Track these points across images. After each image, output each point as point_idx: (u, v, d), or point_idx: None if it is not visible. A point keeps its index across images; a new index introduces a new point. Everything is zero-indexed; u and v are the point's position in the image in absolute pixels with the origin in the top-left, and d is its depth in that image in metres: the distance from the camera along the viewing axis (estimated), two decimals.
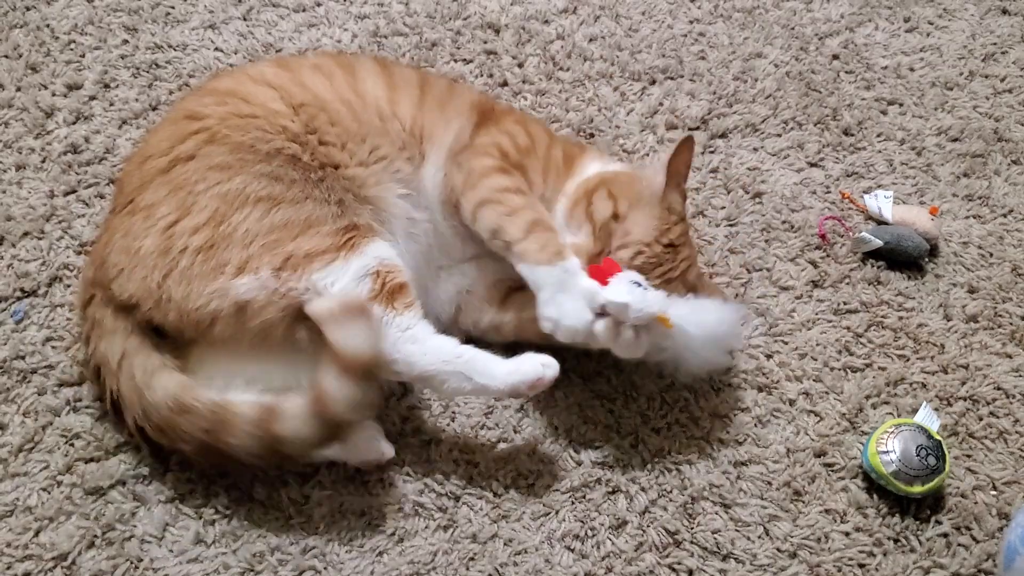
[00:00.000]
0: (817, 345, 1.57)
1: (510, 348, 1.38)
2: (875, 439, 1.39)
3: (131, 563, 1.25)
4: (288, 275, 1.24)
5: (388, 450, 1.34)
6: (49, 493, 1.30)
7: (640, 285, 1.31)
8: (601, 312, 1.30)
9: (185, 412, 1.23)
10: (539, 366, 1.28)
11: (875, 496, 1.40)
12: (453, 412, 1.44)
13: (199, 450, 1.24)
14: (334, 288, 1.25)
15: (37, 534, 1.26)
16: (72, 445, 1.34)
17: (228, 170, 1.29)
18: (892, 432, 1.39)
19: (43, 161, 1.66)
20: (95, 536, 1.27)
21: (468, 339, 1.37)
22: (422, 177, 1.44)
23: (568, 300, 1.31)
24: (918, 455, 1.37)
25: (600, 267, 1.35)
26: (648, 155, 1.81)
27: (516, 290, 1.45)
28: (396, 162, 1.41)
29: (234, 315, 1.24)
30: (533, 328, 1.37)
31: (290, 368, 1.28)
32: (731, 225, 1.72)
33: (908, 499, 1.39)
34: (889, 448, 1.37)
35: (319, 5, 2.00)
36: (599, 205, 1.44)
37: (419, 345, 1.27)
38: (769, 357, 1.55)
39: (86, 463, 1.33)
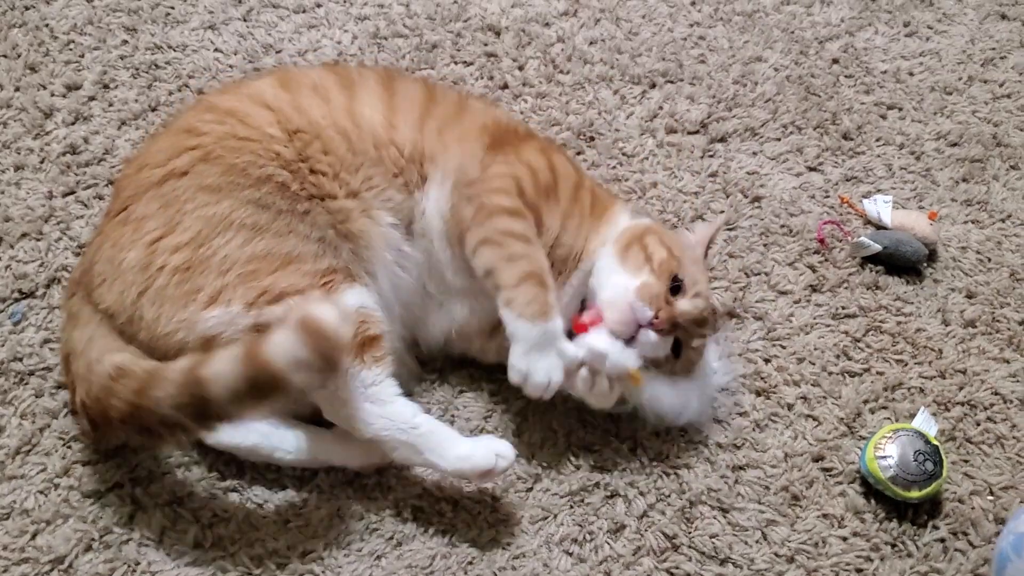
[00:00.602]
0: (815, 349, 1.57)
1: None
2: (873, 444, 1.40)
3: (129, 567, 1.25)
4: (259, 312, 1.23)
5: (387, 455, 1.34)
6: (46, 496, 1.30)
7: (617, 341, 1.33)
8: (580, 364, 1.32)
9: (122, 376, 1.20)
10: (492, 456, 1.26)
11: (872, 501, 1.40)
12: (452, 415, 1.44)
13: (123, 416, 1.19)
14: None
15: (34, 537, 1.26)
16: (70, 448, 1.34)
17: (217, 192, 1.28)
18: (890, 437, 1.39)
19: (42, 162, 1.65)
20: (92, 539, 1.27)
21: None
22: (419, 201, 1.41)
23: (541, 359, 1.29)
24: (916, 460, 1.37)
25: (584, 321, 1.35)
26: (648, 159, 1.81)
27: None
28: (388, 191, 1.38)
29: (200, 347, 1.22)
30: None
31: None
32: (730, 229, 1.72)
33: (905, 504, 1.39)
34: (887, 453, 1.38)
35: (319, 6, 2.00)
36: (654, 248, 1.41)
37: (378, 407, 1.26)
38: (767, 361, 1.55)
39: (84, 466, 1.33)
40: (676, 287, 1.38)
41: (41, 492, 1.30)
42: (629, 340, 1.33)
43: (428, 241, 1.42)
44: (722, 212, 1.61)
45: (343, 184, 1.36)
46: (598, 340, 1.31)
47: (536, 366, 1.29)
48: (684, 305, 1.37)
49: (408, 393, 1.42)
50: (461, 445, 1.27)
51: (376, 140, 1.40)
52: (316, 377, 1.14)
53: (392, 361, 1.30)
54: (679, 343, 1.38)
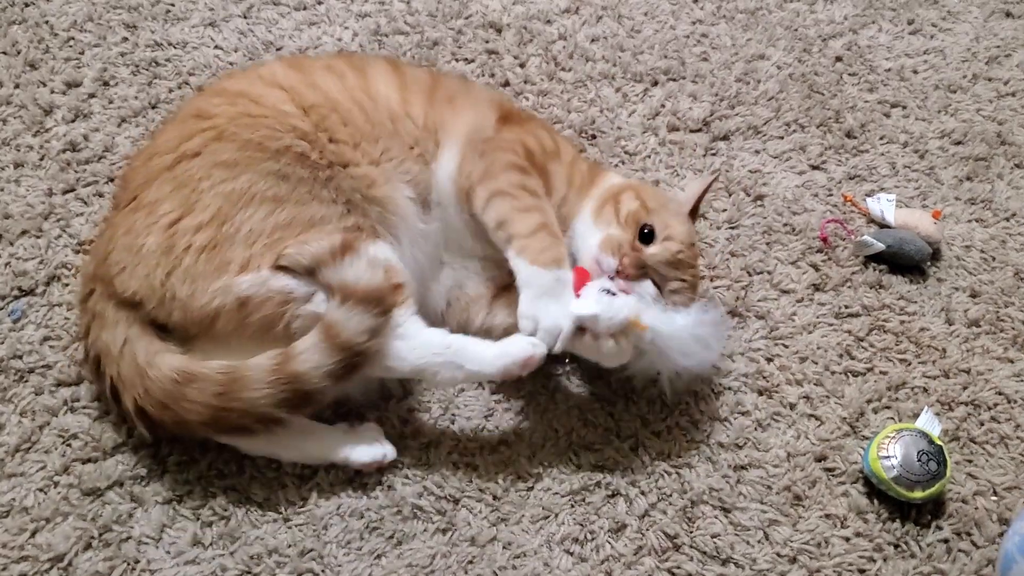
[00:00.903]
0: (818, 349, 1.56)
1: None
2: (876, 444, 1.39)
3: (128, 564, 1.25)
4: (284, 274, 1.26)
5: (390, 452, 1.34)
6: (46, 494, 1.30)
7: (611, 292, 1.33)
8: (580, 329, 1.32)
9: (193, 380, 1.22)
10: (528, 345, 1.29)
11: (876, 501, 1.40)
12: (453, 415, 1.43)
13: (207, 419, 1.23)
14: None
15: (33, 535, 1.26)
16: (69, 445, 1.34)
17: (234, 167, 1.29)
18: (893, 437, 1.39)
19: (41, 159, 1.65)
20: (92, 537, 1.26)
21: None
22: (435, 172, 1.44)
23: (553, 304, 1.31)
24: (919, 460, 1.36)
25: (575, 277, 1.35)
26: (650, 157, 1.80)
27: (504, 291, 1.44)
28: (406, 163, 1.41)
29: (236, 310, 1.25)
30: None
31: None
32: (732, 228, 1.72)
33: (909, 504, 1.38)
34: (890, 453, 1.37)
35: (320, 3, 1.99)
36: (627, 202, 1.44)
37: (408, 341, 1.28)
38: (770, 360, 1.54)
39: (83, 464, 1.32)
40: (648, 234, 1.41)
41: (41, 490, 1.30)
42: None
43: (443, 209, 1.44)
44: (715, 172, 1.64)
45: (365, 153, 1.38)
46: (584, 304, 1.31)
47: (547, 311, 1.30)
48: (652, 249, 1.40)
49: (408, 392, 1.44)
50: (495, 347, 1.30)
51: (392, 114, 1.42)
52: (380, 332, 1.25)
53: (414, 303, 1.31)
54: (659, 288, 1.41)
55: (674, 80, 1.95)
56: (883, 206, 1.74)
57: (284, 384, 1.22)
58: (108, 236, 1.33)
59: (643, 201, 1.45)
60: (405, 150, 1.41)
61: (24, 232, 1.55)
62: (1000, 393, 1.54)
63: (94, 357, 1.30)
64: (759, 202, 1.76)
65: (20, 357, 1.41)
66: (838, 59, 2.03)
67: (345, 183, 1.35)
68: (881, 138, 1.90)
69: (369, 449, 1.33)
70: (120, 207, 1.35)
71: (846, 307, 1.62)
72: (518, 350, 1.29)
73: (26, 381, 1.39)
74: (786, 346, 1.56)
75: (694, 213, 1.52)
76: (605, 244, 1.39)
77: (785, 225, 1.73)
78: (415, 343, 1.28)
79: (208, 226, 1.26)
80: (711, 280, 1.63)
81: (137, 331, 1.27)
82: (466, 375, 1.29)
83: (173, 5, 1.93)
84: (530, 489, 1.37)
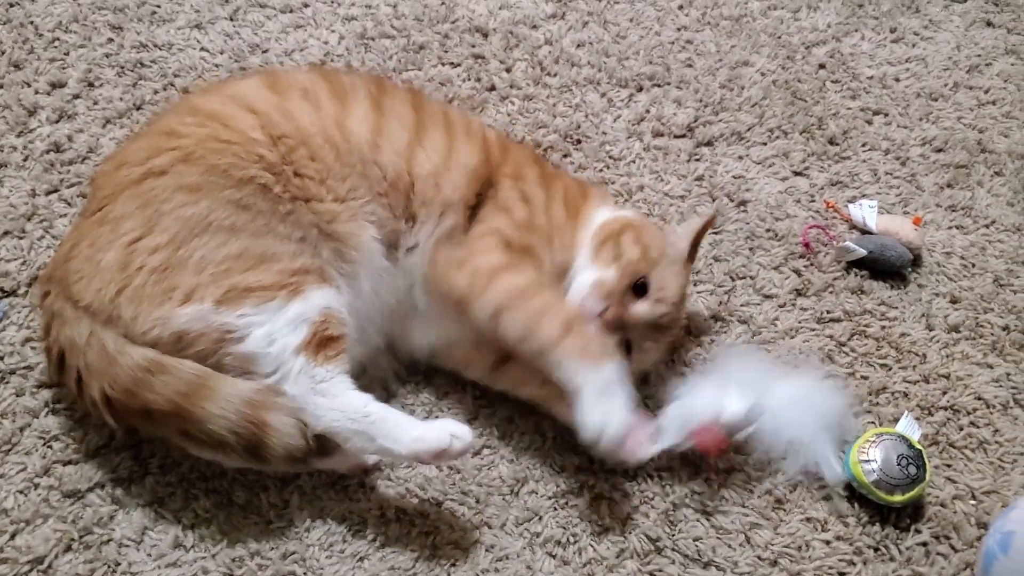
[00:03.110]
0: (800, 353, 1.57)
1: None
2: (856, 448, 1.40)
3: (109, 567, 1.24)
4: (224, 310, 1.23)
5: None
6: (26, 495, 1.29)
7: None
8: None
9: (162, 372, 1.21)
10: (447, 436, 1.23)
11: (856, 505, 1.40)
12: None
13: (167, 413, 1.21)
14: (258, 332, 1.24)
15: (13, 537, 1.25)
16: (50, 447, 1.33)
17: (196, 192, 1.27)
18: (873, 441, 1.40)
19: (25, 160, 1.64)
20: (72, 539, 1.25)
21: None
22: (408, 234, 1.41)
23: (613, 402, 1.26)
24: (899, 464, 1.37)
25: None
26: (635, 162, 1.81)
27: (504, 362, 1.42)
28: (372, 204, 1.38)
29: (172, 343, 1.22)
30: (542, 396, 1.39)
31: None
32: (715, 233, 1.72)
33: (889, 508, 1.39)
34: (870, 457, 1.38)
35: (306, 6, 1.99)
36: (628, 248, 1.42)
37: (328, 399, 1.24)
38: None
39: (64, 465, 1.32)
40: (641, 288, 1.40)
41: (21, 492, 1.29)
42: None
43: (414, 274, 1.42)
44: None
45: (330, 189, 1.35)
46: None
47: (610, 411, 1.26)
48: (640, 308, 1.39)
49: (390, 395, 1.44)
50: (415, 428, 1.25)
51: (361, 156, 1.38)
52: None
53: (347, 360, 1.28)
54: (629, 343, 1.40)
55: (659, 86, 1.96)
56: (865, 212, 1.75)
57: (247, 423, 1.20)
58: (72, 242, 1.31)
59: (644, 249, 1.42)
60: (373, 194, 1.38)
61: (7, 233, 1.54)
62: (979, 398, 1.55)
63: (58, 353, 1.28)
64: (742, 207, 1.77)
65: (1, 358, 1.40)
66: (821, 66, 2.05)
67: (305, 218, 1.32)
68: (863, 145, 1.91)
69: (351, 455, 1.32)
70: (87, 214, 1.34)
71: (828, 312, 1.63)
72: (436, 440, 1.23)
73: (7, 382, 1.38)
74: (768, 351, 1.57)
75: (692, 255, 1.50)
76: (597, 288, 1.38)
77: (768, 231, 1.74)
78: (334, 404, 1.24)
79: (164, 248, 1.24)
80: (694, 285, 1.63)
81: (101, 325, 1.26)
82: (376, 449, 1.25)
83: (159, 7, 1.93)
84: (514, 492, 1.37)
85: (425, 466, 1.36)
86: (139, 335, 1.23)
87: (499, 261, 1.37)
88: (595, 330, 1.33)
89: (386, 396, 1.43)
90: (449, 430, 1.24)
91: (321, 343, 1.26)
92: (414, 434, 1.24)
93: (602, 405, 1.26)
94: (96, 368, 1.23)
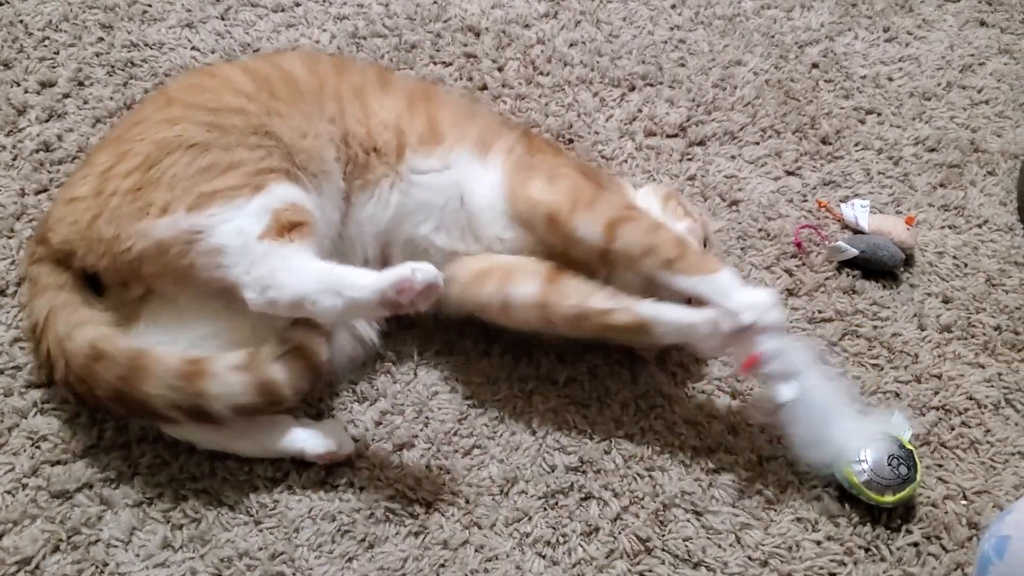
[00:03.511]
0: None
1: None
2: None
3: (97, 567, 1.24)
4: (194, 215, 1.25)
5: (346, 444, 1.35)
6: (14, 496, 1.28)
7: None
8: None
9: (101, 358, 1.23)
10: (408, 269, 1.21)
11: (847, 505, 1.40)
12: (426, 417, 1.43)
13: (114, 398, 1.24)
14: (227, 227, 1.25)
15: (0, 537, 1.24)
16: (38, 447, 1.32)
17: (172, 122, 1.32)
18: None
19: (14, 159, 1.64)
20: (60, 540, 1.25)
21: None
22: (445, 160, 1.47)
23: (749, 289, 1.34)
24: (890, 464, 1.37)
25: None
26: (627, 161, 1.81)
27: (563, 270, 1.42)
28: (334, 127, 1.43)
29: (156, 255, 1.25)
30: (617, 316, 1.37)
31: (238, 330, 1.32)
32: None
33: (879, 508, 1.39)
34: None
35: (298, 5, 1.99)
36: (685, 207, 1.56)
37: (293, 271, 1.25)
38: None
39: (52, 466, 1.31)
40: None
41: (8, 492, 1.29)
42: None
43: (434, 193, 1.46)
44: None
45: (299, 110, 1.40)
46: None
47: (755, 291, 1.34)
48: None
49: (381, 394, 1.43)
50: (374, 273, 1.24)
51: (361, 86, 1.47)
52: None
53: (313, 244, 1.29)
54: None
55: (651, 85, 1.95)
56: (857, 212, 1.75)
57: (185, 394, 1.22)
58: (54, 201, 1.37)
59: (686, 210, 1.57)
60: (359, 116, 1.44)
61: None
62: (971, 398, 1.55)
63: (30, 327, 1.32)
64: (734, 207, 1.77)
65: None
66: (814, 66, 2.04)
67: (280, 129, 1.36)
68: (856, 144, 1.91)
69: (324, 440, 1.32)
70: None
71: (819, 312, 1.63)
72: (398, 273, 1.21)
73: None
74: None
75: None
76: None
77: (760, 230, 1.74)
78: (299, 271, 1.25)
79: (136, 171, 1.28)
80: None
81: (64, 299, 1.29)
82: (344, 304, 1.23)
83: (150, 6, 1.93)
84: (503, 492, 1.37)
85: (393, 312, 1.29)
86: (123, 253, 1.26)
87: (587, 183, 1.44)
88: (695, 245, 1.44)
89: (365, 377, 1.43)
90: (410, 265, 1.23)
91: (284, 227, 1.27)
92: (375, 276, 1.24)
93: (743, 291, 1.33)
94: (53, 352, 1.27)
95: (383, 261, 1.45)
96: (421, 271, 1.21)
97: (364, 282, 1.23)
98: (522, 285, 1.39)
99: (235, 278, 1.25)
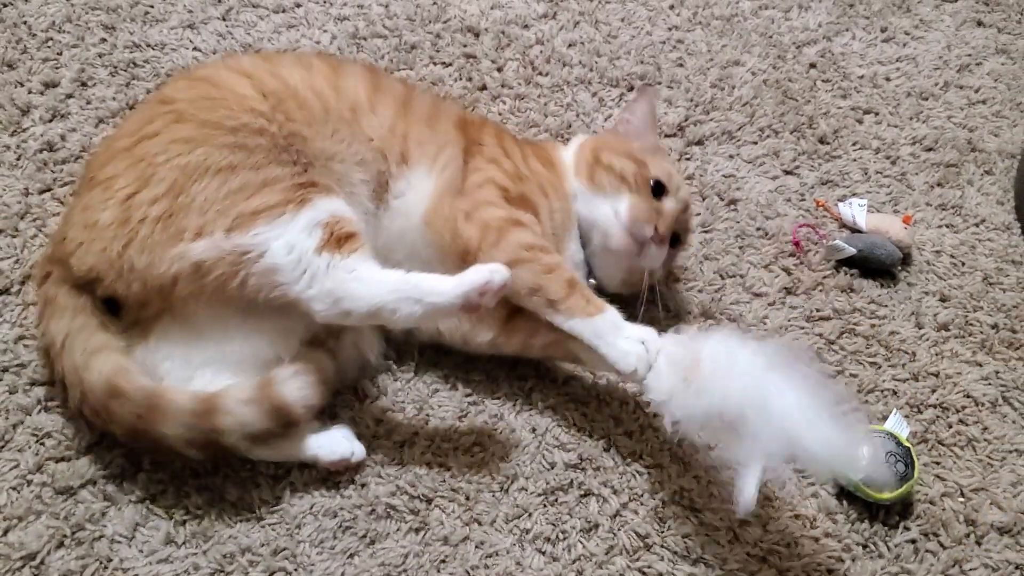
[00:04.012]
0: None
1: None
2: None
3: (101, 563, 1.25)
4: (236, 235, 1.25)
5: (359, 451, 1.35)
6: (19, 492, 1.29)
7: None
8: None
9: (118, 395, 1.23)
10: (486, 272, 1.26)
11: (844, 502, 1.41)
12: (427, 415, 1.44)
13: (131, 434, 1.25)
14: (276, 244, 1.25)
15: (5, 533, 1.25)
16: (43, 444, 1.33)
17: (191, 143, 1.29)
18: None
19: (18, 159, 1.64)
20: (64, 536, 1.26)
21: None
22: (400, 177, 1.44)
23: (623, 340, 1.34)
24: (888, 462, 1.38)
25: None
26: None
27: (517, 313, 1.44)
28: (357, 146, 1.41)
29: (192, 273, 1.25)
30: (555, 349, 1.44)
31: (250, 348, 1.32)
32: (705, 232, 1.73)
33: (877, 505, 1.40)
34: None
35: (299, 6, 2.00)
36: (620, 164, 1.50)
37: (365, 281, 1.27)
38: None
39: (56, 462, 1.32)
40: (658, 187, 1.49)
41: (13, 488, 1.29)
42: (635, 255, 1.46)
43: (404, 220, 1.44)
44: (647, 84, 1.74)
45: (319, 132, 1.39)
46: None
47: (631, 346, 1.33)
48: (670, 204, 1.49)
49: (382, 391, 1.44)
50: (450, 278, 1.27)
51: (355, 105, 1.43)
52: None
53: (369, 252, 1.31)
54: (677, 237, 1.52)
55: (650, 85, 1.96)
56: (855, 211, 1.76)
57: (200, 431, 1.23)
58: (65, 217, 1.34)
59: (630, 155, 1.51)
60: (359, 138, 1.42)
61: (0, 231, 1.54)
62: (968, 396, 1.56)
63: (44, 347, 1.31)
64: (732, 206, 1.78)
65: None
66: (812, 66, 2.05)
67: (307, 149, 1.36)
68: (853, 144, 1.92)
69: (338, 448, 1.33)
70: (78, 191, 1.36)
71: (817, 311, 1.64)
72: (476, 276, 1.26)
73: (0, 380, 1.39)
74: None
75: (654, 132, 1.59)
76: (633, 214, 1.46)
77: (758, 229, 1.75)
78: (371, 281, 1.27)
79: (164, 198, 1.26)
80: (683, 283, 1.64)
81: (80, 323, 1.28)
82: (424, 310, 1.26)
83: (152, 7, 1.94)
84: (503, 489, 1.38)
85: (471, 313, 1.35)
86: (157, 276, 1.25)
87: (505, 214, 1.43)
88: (585, 289, 1.39)
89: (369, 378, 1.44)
90: (487, 267, 1.27)
91: (339, 239, 1.28)
92: (455, 281, 1.27)
93: (619, 344, 1.33)
94: (69, 379, 1.27)
95: None
96: (499, 272, 1.27)
97: (444, 287, 1.26)
98: (481, 333, 1.46)
99: (296, 294, 1.26)
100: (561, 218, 1.51)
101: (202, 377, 1.30)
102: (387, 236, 1.44)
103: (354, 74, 1.49)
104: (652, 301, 1.51)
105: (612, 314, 1.37)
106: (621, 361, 1.33)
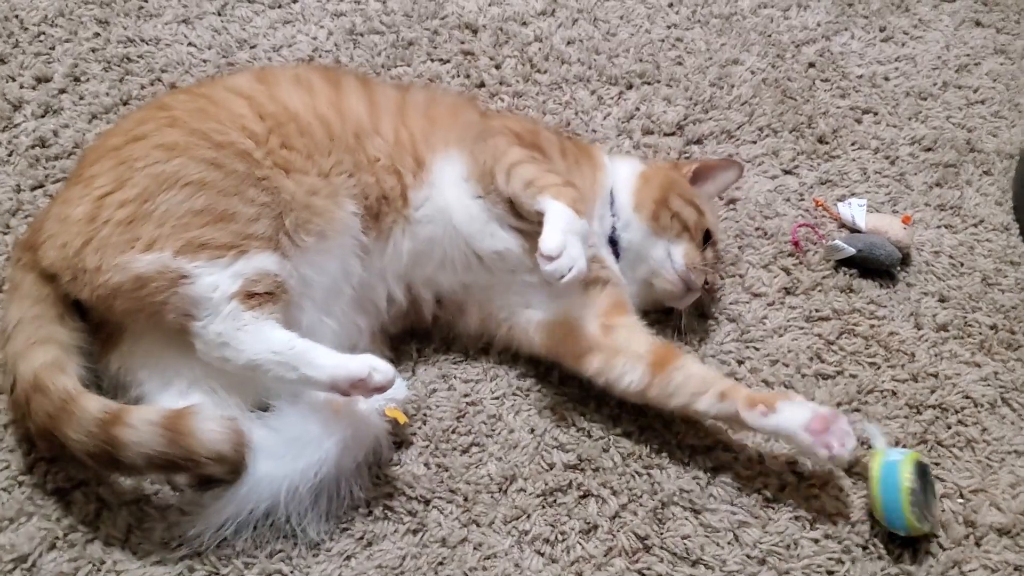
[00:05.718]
0: (789, 352, 1.57)
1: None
2: (903, 470, 1.33)
3: (93, 565, 1.23)
4: (181, 259, 1.24)
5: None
6: (10, 493, 1.28)
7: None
8: None
9: (40, 390, 1.22)
10: (367, 367, 1.24)
11: (845, 503, 1.40)
12: (425, 415, 1.43)
13: (41, 434, 1.23)
14: (207, 279, 1.25)
15: None
16: (35, 445, 1.32)
17: (172, 150, 1.30)
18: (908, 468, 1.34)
19: (10, 155, 1.63)
20: (57, 537, 1.25)
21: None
22: (421, 184, 1.44)
23: (575, 242, 1.30)
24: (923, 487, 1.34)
25: None
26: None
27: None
28: (356, 178, 1.40)
29: (132, 289, 1.24)
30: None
31: (204, 372, 1.30)
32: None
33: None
34: (914, 485, 1.32)
35: (295, 1, 1.98)
36: (685, 212, 1.53)
37: (253, 336, 1.25)
38: (740, 363, 1.55)
39: (48, 463, 1.30)
40: (707, 238, 1.56)
41: (4, 489, 1.28)
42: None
43: (433, 226, 1.44)
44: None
45: (315, 164, 1.38)
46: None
47: (571, 243, 1.30)
48: (710, 253, 1.56)
49: None
50: (337, 358, 1.25)
51: (359, 129, 1.43)
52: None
53: (279, 315, 1.28)
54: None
55: (649, 84, 1.96)
56: (854, 211, 1.75)
57: (100, 440, 1.19)
58: (47, 207, 1.35)
59: (693, 204, 1.55)
60: (362, 166, 1.41)
61: None
62: (967, 397, 1.55)
63: (1, 328, 1.30)
64: (731, 206, 1.77)
65: None
66: (811, 65, 2.05)
67: (284, 185, 1.34)
68: (852, 144, 1.91)
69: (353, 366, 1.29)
70: (67, 183, 1.37)
71: (817, 311, 1.63)
72: (356, 368, 1.23)
73: None
74: (757, 349, 1.57)
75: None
76: (690, 262, 1.51)
77: (757, 229, 1.74)
78: (258, 338, 1.25)
79: (132, 202, 1.26)
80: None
81: (38, 311, 1.28)
82: (297, 377, 1.24)
83: (146, 1, 1.92)
84: (501, 490, 1.37)
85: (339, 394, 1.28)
86: (101, 284, 1.25)
87: (511, 140, 1.47)
88: (583, 198, 1.40)
89: None
90: (370, 363, 1.24)
91: (250, 295, 1.26)
92: (334, 362, 1.24)
93: (566, 236, 1.30)
94: (9, 364, 1.27)
95: (411, 300, 1.47)
96: (380, 373, 1.24)
97: (322, 363, 1.24)
98: (627, 374, 1.41)
99: (194, 327, 1.25)
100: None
101: (177, 388, 1.30)
102: (411, 254, 1.44)
103: (354, 91, 1.48)
104: (677, 328, 1.57)
105: (584, 225, 1.35)
106: (551, 244, 1.29)
